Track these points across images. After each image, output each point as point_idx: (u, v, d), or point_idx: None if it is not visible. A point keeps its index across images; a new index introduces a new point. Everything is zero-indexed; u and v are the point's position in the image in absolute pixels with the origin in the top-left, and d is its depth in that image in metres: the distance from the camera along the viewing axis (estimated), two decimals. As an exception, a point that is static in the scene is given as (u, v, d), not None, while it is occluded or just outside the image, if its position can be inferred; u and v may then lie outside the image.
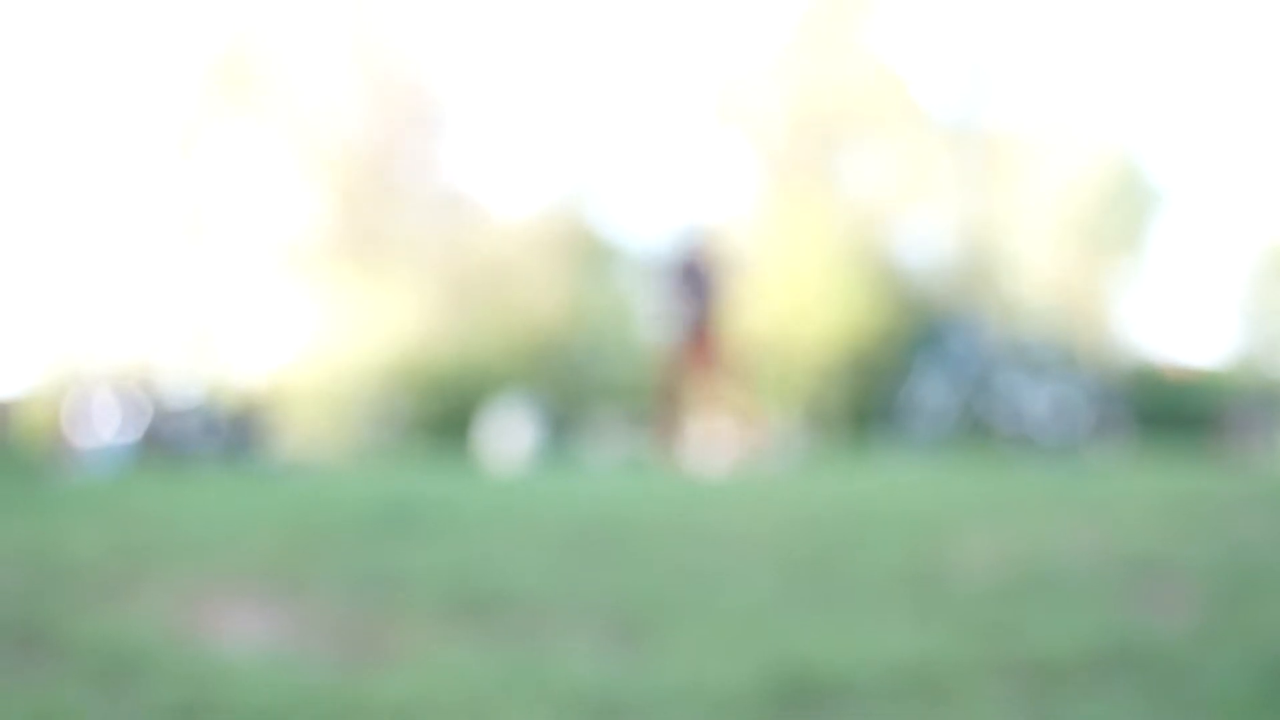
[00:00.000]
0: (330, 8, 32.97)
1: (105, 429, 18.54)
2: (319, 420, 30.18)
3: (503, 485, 7.83)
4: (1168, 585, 3.62)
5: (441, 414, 30.36)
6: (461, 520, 4.97)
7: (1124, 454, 14.38)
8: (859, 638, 2.97)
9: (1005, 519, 5.02)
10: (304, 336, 32.61)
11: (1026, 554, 4.06)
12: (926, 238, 33.06)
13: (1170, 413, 31.47)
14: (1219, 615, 3.26)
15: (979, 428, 13.87)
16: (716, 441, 11.93)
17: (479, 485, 7.69)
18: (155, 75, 32.59)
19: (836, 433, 28.79)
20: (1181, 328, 44.68)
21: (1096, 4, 35.26)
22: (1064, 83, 32.73)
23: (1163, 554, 4.09)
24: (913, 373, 14.88)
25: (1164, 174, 35.94)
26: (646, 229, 43.35)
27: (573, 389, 32.01)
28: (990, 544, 4.26)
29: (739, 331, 13.69)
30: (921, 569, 3.80)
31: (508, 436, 25.40)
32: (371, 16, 33.44)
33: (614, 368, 33.35)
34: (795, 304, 29.83)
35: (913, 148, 31.51)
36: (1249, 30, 51.02)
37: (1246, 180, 43.62)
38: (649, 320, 13.03)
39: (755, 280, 31.16)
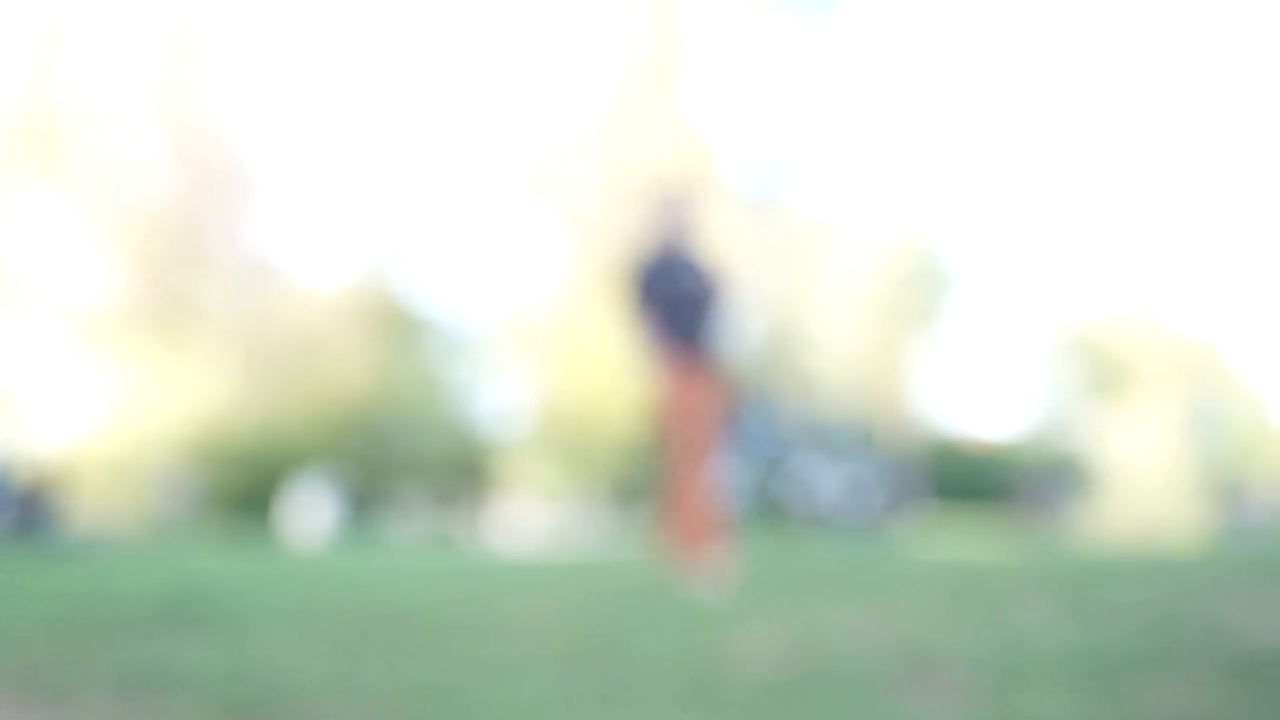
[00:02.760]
0: (136, 72, 32.41)
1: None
2: (115, 494, 29.36)
3: (292, 571, 7.70)
4: (943, 675, 3.69)
5: (243, 488, 29.78)
6: (245, 612, 4.87)
7: (916, 531, 14.68)
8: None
9: (789, 605, 5.09)
10: (100, 407, 31.75)
11: (807, 643, 4.12)
12: (732, 313, 33.55)
13: (967, 486, 32.27)
14: (990, 706, 3.33)
15: (773, 508, 13.98)
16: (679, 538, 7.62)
17: (269, 571, 7.55)
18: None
19: (642, 510, 28.88)
20: (978, 403, 45.90)
21: (895, 91, 36.31)
22: (863, 165, 33.57)
23: (940, 642, 4.18)
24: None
25: (958, 255, 37.00)
26: (456, 302, 43.25)
27: (378, 464, 31.64)
28: (771, 633, 4.31)
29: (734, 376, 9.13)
30: (701, 660, 3.83)
31: (309, 512, 25.00)
32: (180, 83, 32.95)
33: (421, 442, 33.07)
34: (601, 378, 29.95)
35: (719, 224, 31.97)
36: (1043, 118, 52.94)
37: (1038, 261, 45.10)
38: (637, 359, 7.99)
39: (562, 355, 31.42)
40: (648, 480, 30.80)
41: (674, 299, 7.77)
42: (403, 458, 32.59)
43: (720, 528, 7.59)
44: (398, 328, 34.64)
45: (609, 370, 30.07)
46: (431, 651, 4.01)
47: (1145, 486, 34.70)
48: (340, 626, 4.47)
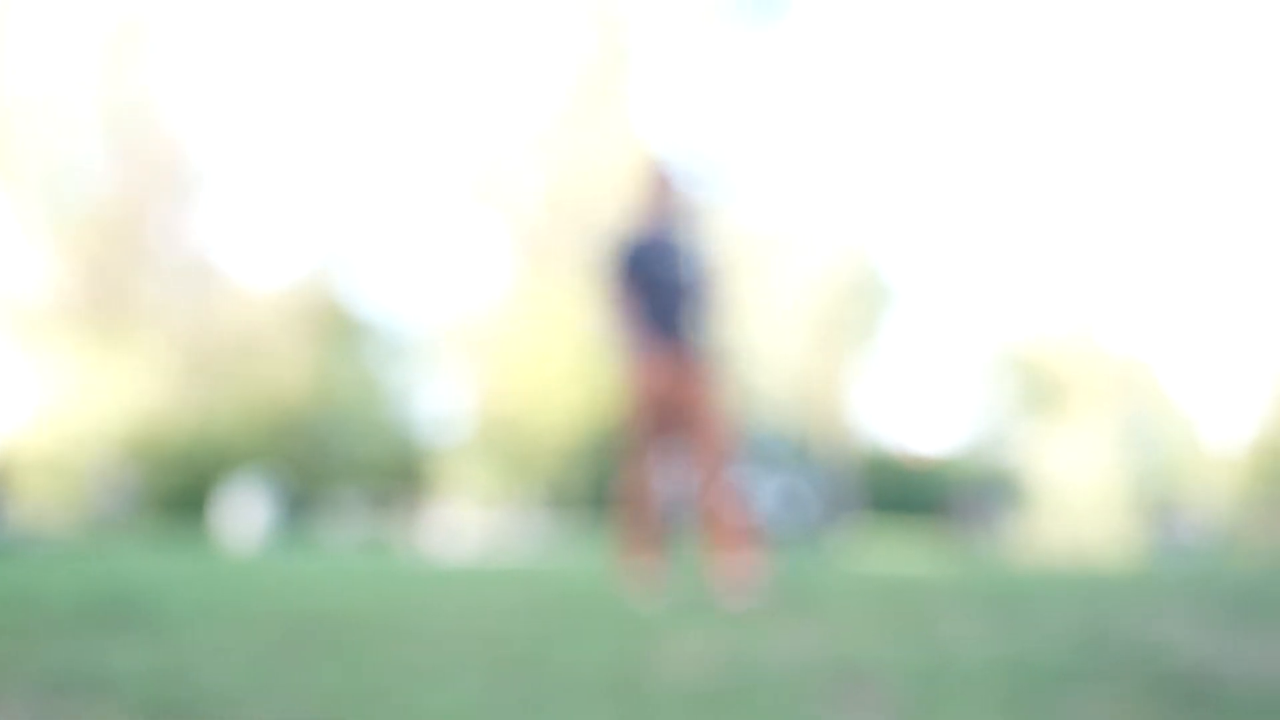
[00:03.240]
0: (79, 66, 32.12)
1: None
2: (50, 492, 29.08)
3: (224, 572, 7.65)
4: (869, 689, 3.71)
5: (178, 488, 29.57)
6: (174, 614, 4.84)
7: (851, 542, 14.74)
8: (559, 745, 2.98)
9: (719, 616, 5.12)
10: (36, 404, 31.44)
11: (735, 655, 4.13)
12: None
13: (904, 499, 32.49)
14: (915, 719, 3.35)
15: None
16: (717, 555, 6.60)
17: (200, 572, 7.50)
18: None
19: (578, 516, 28.87)
20: (915, 418, 46.19)
21: (839, 105, 36.58)
22: (807, 179, 33.72)
23: (868, 655, 4.20)
24: None
25: (898, 272, 37.24)
26: (398, 305, 43.07)
27: (316, 466, 31.48)
28: (700, 643, 4.33)
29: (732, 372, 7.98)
30: (629, 670, 3.83)
31: (245, 514, 24.83)
32: (124, 77, 32.68)
33: (359, 446, 32.93)
34: (541, 385, 29.95)
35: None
36: (984, 137, 53.37)
37: (977, 278, 45.43)
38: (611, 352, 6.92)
39: (503, 361, 31.35)
40: (585, 486, 30.78)
41: (661, 284, 6.74)
42: (340, 460, 32.46)
43: (740, 529, 6.53)
44: (338, 330, 34.50)
45: (549, 377, 30.07)
46: (360, 656, 4.01)
47: (1078, 503, 35.03)
48: (270, 629, 4.45)
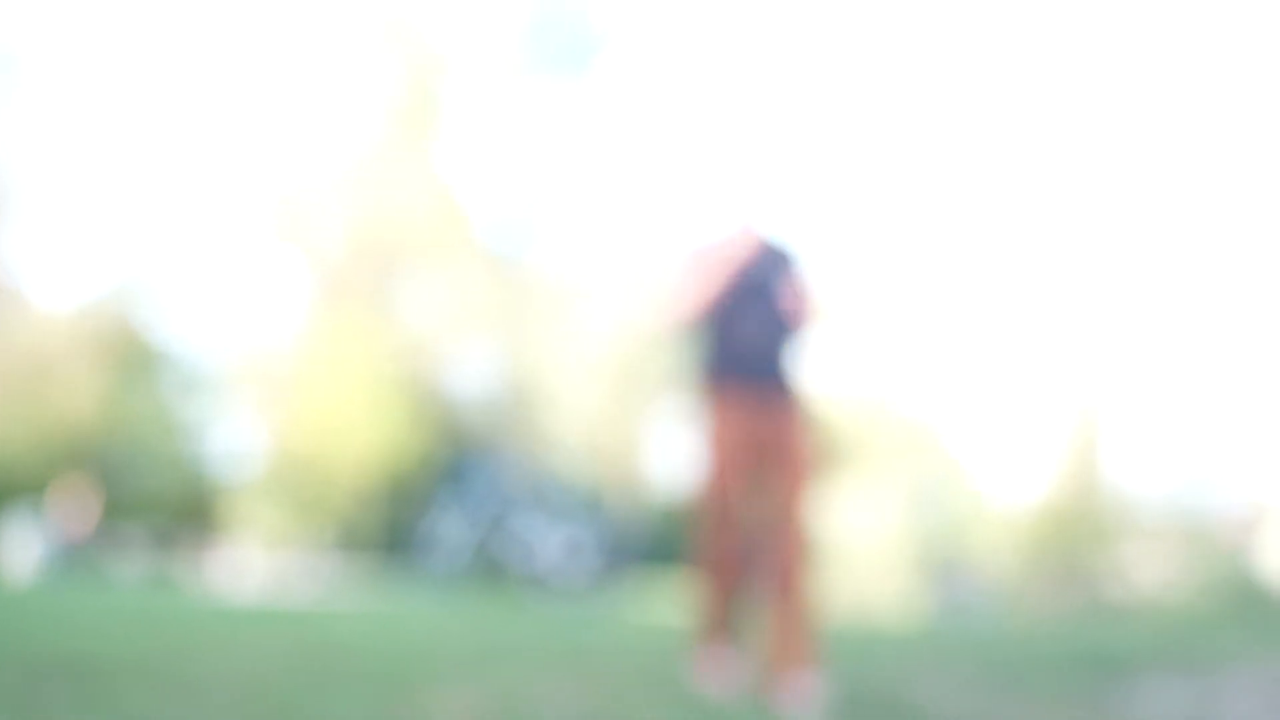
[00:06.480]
0: None
1: None
2: None
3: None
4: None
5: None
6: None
7: (634, 595, 14.79)
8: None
9: (487, 669, 5.09)
10: None
11: (498, 709, 4.11)
12: (472, 369, 33.52)
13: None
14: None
15: (493, 566, 13.92)
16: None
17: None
18: None
19: (369, 559, 28.55)
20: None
21: (645, 155, 37.00)
22: (610, 228, 33.91)
23: (629, 710, 4.22)
24: (435, 505, 14.90)
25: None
26: (194, 335, 42.18)
27: (103, 498, 30.61)
28: (464, 697, 4.30)
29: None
30: (387, 724, 3.80)
31: (20, 545, 24.05)
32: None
33: (148, 479, 32.12)
34: (337, 425, 29.57)
35: (465, 280, 31.95)
36: (790, 197, 54.22)
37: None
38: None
39: (299, 399, 30.88)
40: (378, 529, 30.33)
41: (760, 316, 5.61)
42: (128, 494, 31.60)
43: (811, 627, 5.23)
44: (132, 357, 33.62)
45: (345, 417, 29.71)
46: (107, 704, 3.88)
47: (864, 561, 35.65)
48: (10, 673, 4.30)
